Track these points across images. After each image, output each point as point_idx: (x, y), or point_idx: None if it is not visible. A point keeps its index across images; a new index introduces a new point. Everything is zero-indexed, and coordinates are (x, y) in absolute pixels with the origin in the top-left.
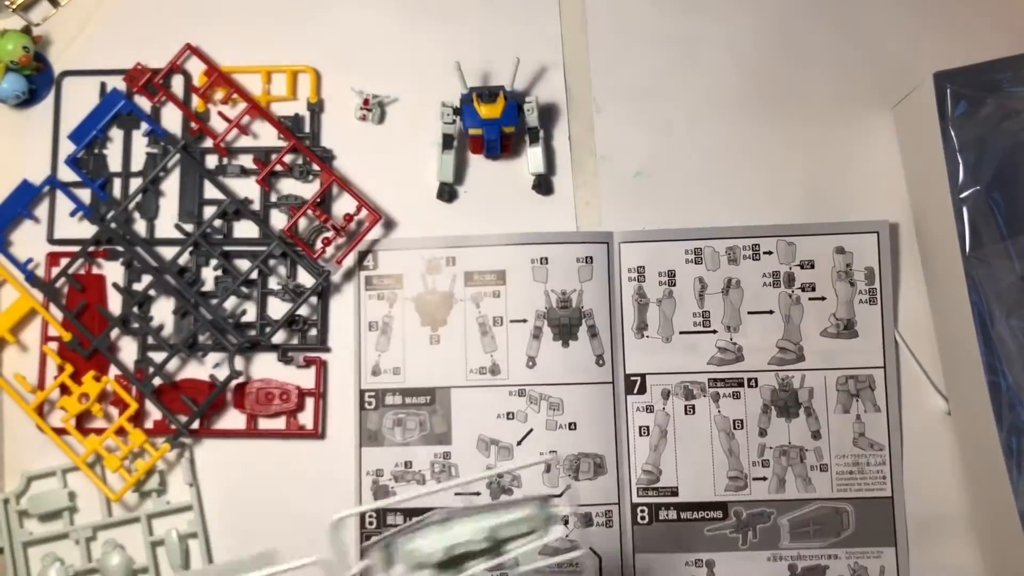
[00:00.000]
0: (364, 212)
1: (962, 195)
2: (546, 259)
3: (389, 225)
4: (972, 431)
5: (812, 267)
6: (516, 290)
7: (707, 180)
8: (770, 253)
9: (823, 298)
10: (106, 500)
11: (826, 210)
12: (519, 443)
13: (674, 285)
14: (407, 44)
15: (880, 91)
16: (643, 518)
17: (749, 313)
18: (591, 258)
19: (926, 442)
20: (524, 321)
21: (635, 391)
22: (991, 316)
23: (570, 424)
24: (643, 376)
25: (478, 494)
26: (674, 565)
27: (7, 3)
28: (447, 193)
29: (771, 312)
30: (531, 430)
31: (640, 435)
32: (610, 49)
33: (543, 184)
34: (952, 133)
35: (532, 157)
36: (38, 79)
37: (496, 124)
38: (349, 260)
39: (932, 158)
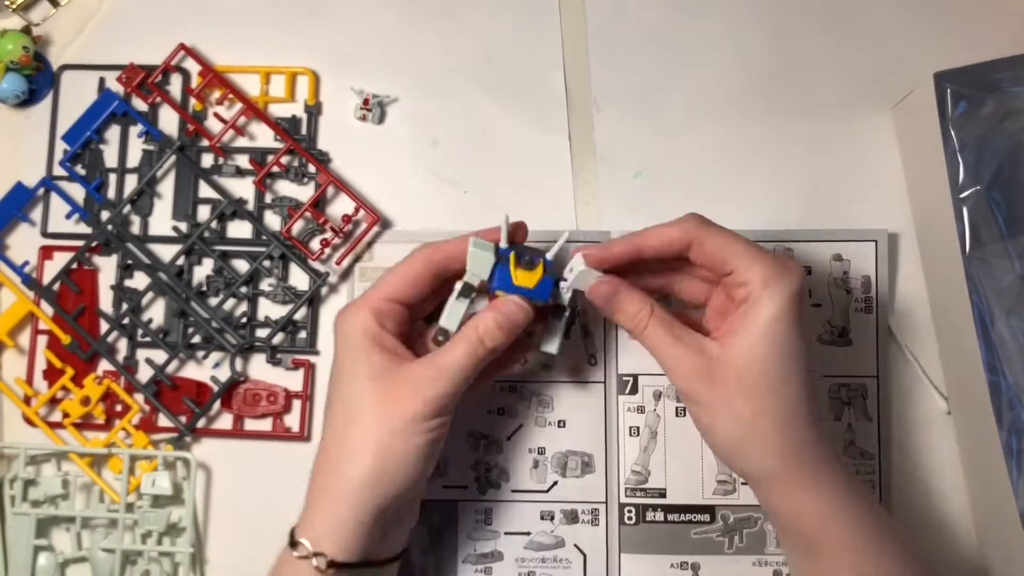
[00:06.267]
0: (362, 213)
1: (962, 195)
2: None
3: (387, 227)
4: (972, 431)
5: (809, 273)
6: None
7: (707, 181)
8: None
9: (819, 304)
10: (106, 500)
11: (825, 211)
12: (508, 438)
13: None
14: (407, 44)
15: (880, 91)
16: (630, 518)
17: None
18: None
19: (926, 442)
20: None
21: (627, 391)
22: (991, 316)
23: (559, 421)
24: (635, 377)
25: (465, 487)
26: (659, 566)
27: (7, 3)
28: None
29: None
30: (520, 426)
31: (630, 435)
32: (610, 49)
33: (549, 365)
34: (952, 133)
35: (548, 332)
36: (38, 79)
37: (525, 293)
38: (348, 261)
39: (932, 158)
